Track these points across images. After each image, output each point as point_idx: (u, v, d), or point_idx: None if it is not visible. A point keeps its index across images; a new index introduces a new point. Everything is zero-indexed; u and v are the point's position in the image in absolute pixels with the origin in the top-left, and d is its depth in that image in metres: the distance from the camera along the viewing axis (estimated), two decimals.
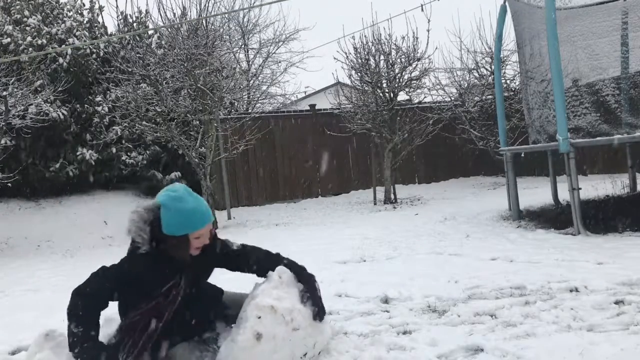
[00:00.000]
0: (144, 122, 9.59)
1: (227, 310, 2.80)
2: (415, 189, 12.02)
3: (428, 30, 10.40)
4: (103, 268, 2.56)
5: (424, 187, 12.48)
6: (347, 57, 10.60)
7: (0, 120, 8.48)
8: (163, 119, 9.31)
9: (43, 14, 10.99)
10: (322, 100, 13.50)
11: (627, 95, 6.89)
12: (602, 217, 6.00)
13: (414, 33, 10.31)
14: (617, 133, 6.13)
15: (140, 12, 12.07)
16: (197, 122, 10.19)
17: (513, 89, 11.51)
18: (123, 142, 10.80)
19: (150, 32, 10.80)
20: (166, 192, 2.57)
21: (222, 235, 2.95)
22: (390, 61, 10.43)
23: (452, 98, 12.21)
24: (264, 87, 18.47)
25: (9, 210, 9.98)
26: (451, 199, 10.22)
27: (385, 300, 3.84)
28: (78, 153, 10.31)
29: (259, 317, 2.47)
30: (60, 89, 9.56)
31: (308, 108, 12.86)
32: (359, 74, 10.68)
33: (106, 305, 2.51)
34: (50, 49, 10.03)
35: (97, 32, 11.54)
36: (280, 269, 2.72)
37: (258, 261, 2.81)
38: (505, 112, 8.45)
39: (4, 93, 8.46)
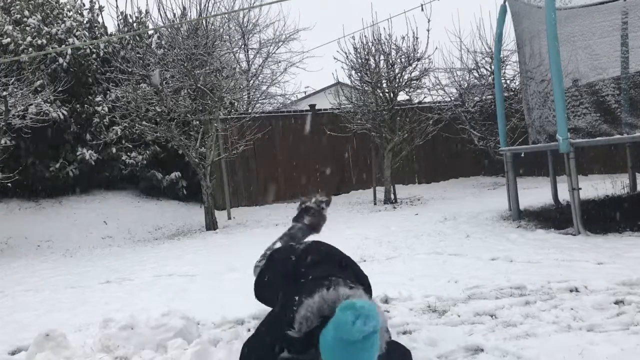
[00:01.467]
0: (143, 122, 9.59)
1: None
2: (415, 189, 12.02)
3: (428, 30, 10.40)
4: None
5: (424, 187, 12.48)
6: (347, 57, 10.61)
7: (0, 120, 8.48)
8: (163, 119, 9.31)
9: (43, 14, 10.99)
10: (322, 100, 13.49)
11: (627, 95, 6.89)
12: (602, 217, 6.01)
13: (414, 33, 10.32)
14: (617, 133, 6.13)
15: (140, 12, 12.06)
16: (197, 122, 10.19)
17: (513, 89, 11.51)
18: (123, 142, 10.80)
19: (150, 32, 10.79)
20: (348, 320, 1.90)
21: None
22: (390, 61, 10.43)
23: (452, 98, 12.21)
24: (264, 87, 18.46)
25: (9, 210, 9.99)
26: (451, 199, 10.22)
27: (385, 300, 3.84)
28: (78, 153, 10.31)
29: None
30: (60, 89, 9.56)
31: (308, 108, 12.86)
32: (359, 74, 10.67)
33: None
34: (50, 49, 10.03)
35: (97, 32, 11.55)
36: None
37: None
38: (505, 112, 8.44)
39: (4, 93, 8.46)
